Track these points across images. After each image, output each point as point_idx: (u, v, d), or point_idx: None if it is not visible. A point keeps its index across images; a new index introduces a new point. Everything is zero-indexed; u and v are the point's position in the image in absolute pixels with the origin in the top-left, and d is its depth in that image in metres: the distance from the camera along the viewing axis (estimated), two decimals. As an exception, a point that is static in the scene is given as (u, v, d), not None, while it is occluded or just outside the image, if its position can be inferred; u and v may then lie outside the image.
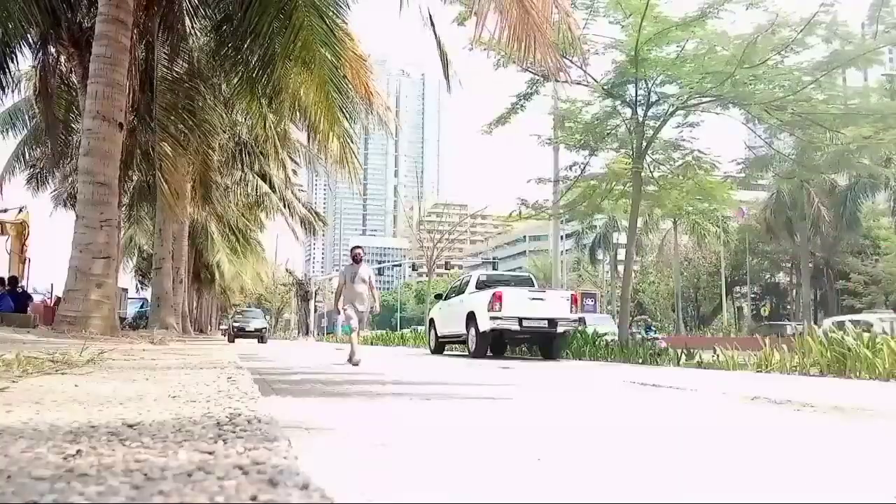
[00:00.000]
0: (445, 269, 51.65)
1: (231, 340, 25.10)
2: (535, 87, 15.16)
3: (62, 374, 3.07)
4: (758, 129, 17.31)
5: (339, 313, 9.35)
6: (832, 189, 33.08)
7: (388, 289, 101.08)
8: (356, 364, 8.17)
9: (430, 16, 10.06)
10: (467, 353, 13.22)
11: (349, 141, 10.82)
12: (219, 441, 1.42)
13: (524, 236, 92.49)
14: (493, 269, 37.14)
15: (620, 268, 33.89)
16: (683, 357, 10.44)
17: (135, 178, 15.71)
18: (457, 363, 10.37)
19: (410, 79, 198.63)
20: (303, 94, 10.55)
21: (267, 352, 14.23)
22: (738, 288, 49.84)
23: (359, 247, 9.31)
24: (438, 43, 10.45)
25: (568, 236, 41.96)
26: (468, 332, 12.70)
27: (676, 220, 32.55)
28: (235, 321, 30.13)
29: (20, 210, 15.93)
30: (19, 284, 14.00)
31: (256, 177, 21.95)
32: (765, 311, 46.96)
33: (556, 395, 5.10)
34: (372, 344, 29.58)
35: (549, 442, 2.57)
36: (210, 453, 1.27)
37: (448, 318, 14.19)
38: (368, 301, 8.91)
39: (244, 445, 1.37)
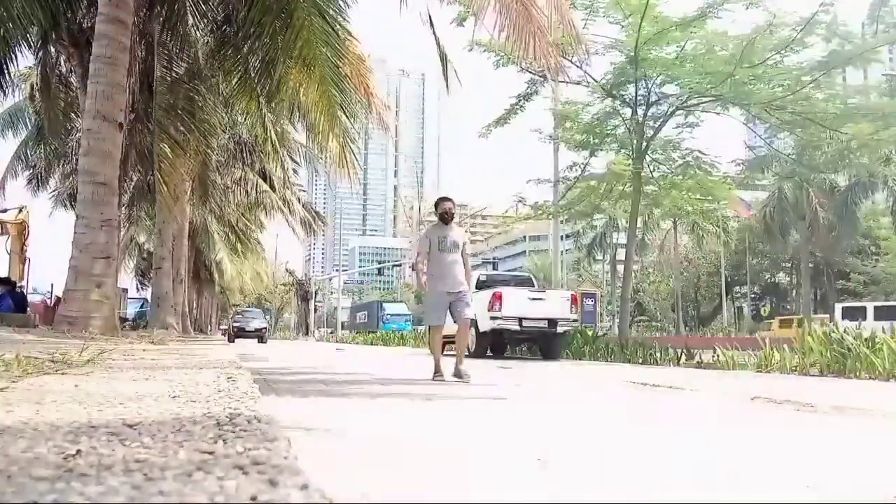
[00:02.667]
0: (445, 268, 51.50)
1: (231, 340, 25.09)
2: (534, 88, 15.17)
3: (62, 374, 3.07)
4: (758, 128, 17.31)
5: (422, 285, 6.51)
6: (832, 189, 33.08)
7: (388, 289, 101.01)
8: (466, 380, 5.53)
9: (430, 16, 10.07)
10: (467, 353, 13.21)
11: (349, 140, 10.81)
12: (219, 441, 1.42)
13: (524, 236, 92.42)
14: (493, 269, 37.09)
15: (620, 268, 33.88)
16: (683, 357, 10.43)
17: (135, 178, 15.71)
18: (457, 363, 10.35)
19: (410, 79, 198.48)
20: (303, 93, 10.55)
21: (267, 352, 14.23)
22: (738, 288, 49.83)
23: (448, 199, 6.30)
24: (438, 44, 10.45)
25: (568, 236, 41.92)
26: (468, 332, 12.69)
27: (676, 220, 32.55)
28: (235, 321, 30.10)
29: (20, 210, 15.94)
30: (18, 286, 14.00)
31: (256, 176, 21.94)
32: (765, 311, 46.97)
33: (556, 394, 5.11)
34: (371, 344, 29.54)
35: (549, 442, 2.57)
36: (210, 453, 1.27)
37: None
38: (463, 278, 6.05)
39: (244, 445, 1.37)
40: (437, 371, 5.97)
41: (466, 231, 7.73)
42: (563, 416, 3.51)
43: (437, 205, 6.36)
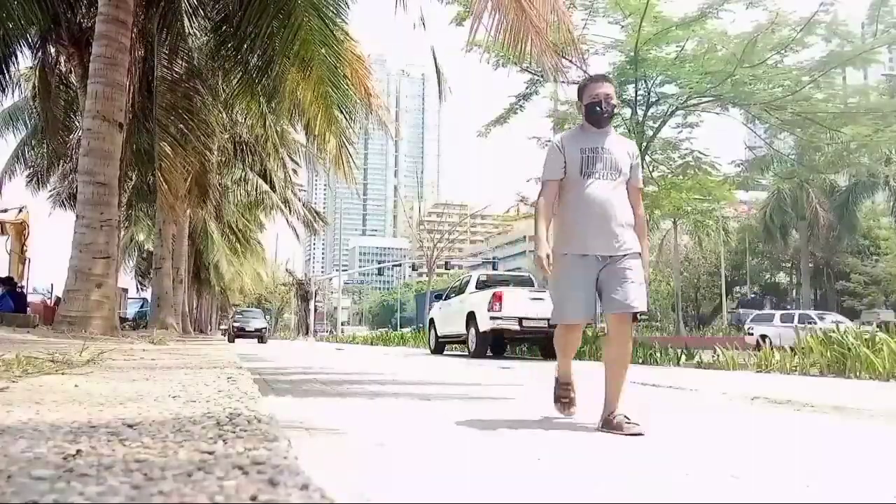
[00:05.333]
0: (445, 269, 51.51)
1: (231, 340, 25.07)
2: (534, 88, 15.17)
3: (62, 374, 3.07)
4: (758, 129, 17.32)
5: (546, 265, 3.02)
6: (832, 189, 33.09)
7: (387, 288, 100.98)
8: (632, 429, 2.74)
9: (423, 20, 10.05)
10: (467, 353, 13.22)
11: (346, 141, 10.81)
12: (219, 441, 1.42)
13: (524, 236, 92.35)
14: (493, 269, 37.12)
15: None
16: (683, 357, 10.43)
17: (134, 178, 15.71)
18: (457, 363, 10.37)
19: (410, 79, 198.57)
20: (300, 93, 10.55)
21: (267, 352, 14.23)
22: (738, 288, 49.81)
23: (606, 79, 3.18)
24: (434, 54, 10.47)
25: (568, 236, 41.82)
26: (468, 332, 12.68)
27: (676, 221, 32.57)
28: (235, 321, 30.08)
29: (20, 210, 15.92)
30: (19, 285, 14.01)
31: (257, 176, 21.94)
32: (765, 310, 46.98)
33: (555, 394, 5.09)
34: (372, 344, 29.51)
35: (551, 442, 2.57)
36: (210, 453, 1.27)
37: (448, 318, 14.17)
38: (630, 230, 3.12)
39: (244, 445, 1.37)
40: (562, 398, 3.31)
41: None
42: (563, 416, 3.51)
43: (581, 90, 3.15)
